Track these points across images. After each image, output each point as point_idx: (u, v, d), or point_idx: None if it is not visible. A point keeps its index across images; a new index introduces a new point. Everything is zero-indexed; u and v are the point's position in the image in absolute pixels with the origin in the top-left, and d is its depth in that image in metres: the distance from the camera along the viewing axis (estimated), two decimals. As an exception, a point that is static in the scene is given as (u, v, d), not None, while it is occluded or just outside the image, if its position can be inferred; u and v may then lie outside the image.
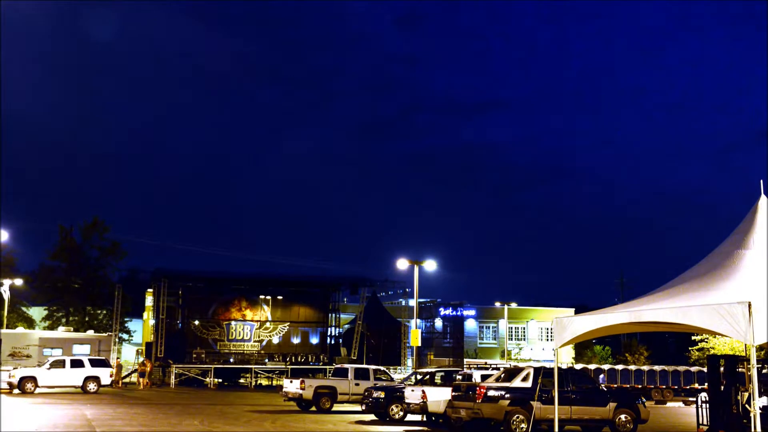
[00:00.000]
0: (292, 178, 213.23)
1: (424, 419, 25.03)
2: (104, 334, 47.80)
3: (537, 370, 21.14)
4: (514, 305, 71.51)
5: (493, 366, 44.14)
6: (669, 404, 43.32)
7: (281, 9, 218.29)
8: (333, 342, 55.11)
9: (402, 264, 40.24)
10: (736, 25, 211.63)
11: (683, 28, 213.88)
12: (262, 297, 53.72)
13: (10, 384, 34.69)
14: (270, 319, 53.61)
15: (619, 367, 51.12)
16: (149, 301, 57.23)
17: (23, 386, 34.75)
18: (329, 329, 55.47)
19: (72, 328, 49.67)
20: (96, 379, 36.53)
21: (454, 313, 67.29)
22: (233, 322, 52.38)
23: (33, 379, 35.24)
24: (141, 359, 51.13)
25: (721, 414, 17.25)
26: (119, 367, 45.57)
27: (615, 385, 44.93)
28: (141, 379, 43.66)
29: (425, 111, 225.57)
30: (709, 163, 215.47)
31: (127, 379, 49.17)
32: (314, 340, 55.17)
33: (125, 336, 60.80)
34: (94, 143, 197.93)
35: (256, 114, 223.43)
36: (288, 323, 53.99)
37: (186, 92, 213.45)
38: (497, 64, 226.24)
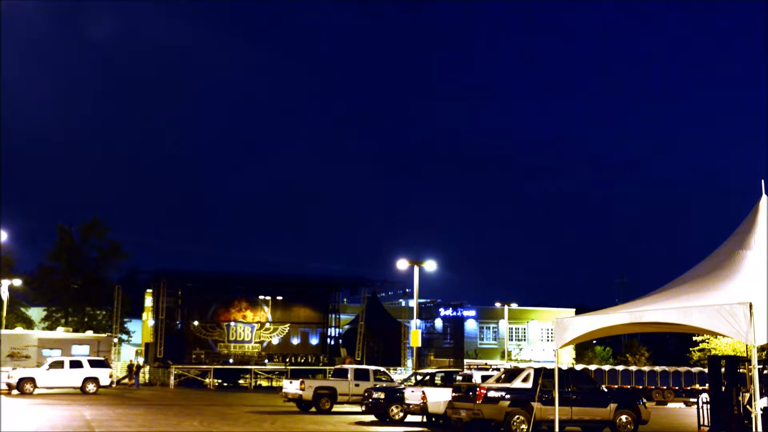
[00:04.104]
0: (291, 178, 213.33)
1: (424, 420, 24.97)
2: (103, 335, 47.65)
3: (537, 370, 21.09)
4: (514, 306, 71.43)
5: (493, 367, 44.09)
6: (670, 405, 43.23)
7: (276, 6, 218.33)
8: (333, 343, 55.02)
9: (402, 264, 40.18)
10: (736, 23, 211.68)
11: (685, 22, 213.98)
12: (262, 297, 53.61)
13: (9, 385, 34.59)
14: (270, 319, 53.52)
15: (620, 367, 51.02)
16: (149, 301, 57.10)
17: (22, 387, 34.64)
18: (329, 330, 55.37)
19: (71, 329, 49.56)
20: (95, 379, 36.43)
21: (454, 313, 67.29)
22: (233, 323, 52.29)
23: (32, 379, 35.12)
24: (141, 360, 51.15)
25: (722, 415, 17.19)
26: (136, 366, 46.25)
27: (615, 386, 44.85)
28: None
29: (425, 108, 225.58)
30: (709, 163, 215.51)
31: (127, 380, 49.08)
32: (314, 341, 55.08)
33: (125, 337, 60.68)
34: (94, 143, 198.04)
35: (255, 113, 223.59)
36: (288, 324, 53.89)
37: (185, 92, 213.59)
38: (497, 59, 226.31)
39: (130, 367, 47.66)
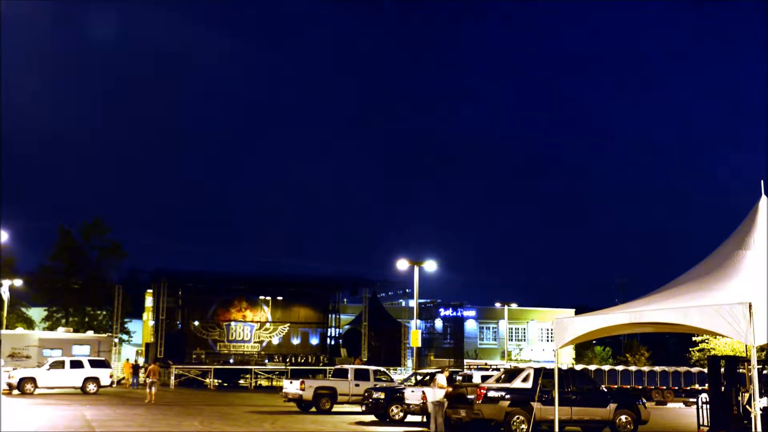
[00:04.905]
0: (291, 178, 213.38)
1: (424, 420, 24.98)
2: (104, 335, 47.72)
3: (537, 370, 21.12)
4: (514, 306, 71.47)
5: (493, 367, 44.09)
6: (669, 405, 43.26)
7: (276, 7, 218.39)
8: (333, 343, 55.08)
9: (402, 264, 40.17)
10: (736, 23, 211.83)
11: (686, 25, 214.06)
12: (262, 297, 53.66)
13: (9, 385, 34.61)
14: (270, 319, 53.57)
15: (620, 367, 51.05)
16: (149, 301, 57.16)
17: (23, 387, 34.67)
18: (329, 330, 55.45)
19: (71, 329, 49.57)
20: (95, 379, 36.46)
21: (455, 313, 67.27)
22: (233, 323, 52.33)
23: (32, 379, 35.15)
24: (141, 359, 51.13)
25: (722, 415, 17.23)
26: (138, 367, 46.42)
27: (615, 386, 44.89)
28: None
29: (426, 107, 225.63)
30: (709, 163, 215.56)
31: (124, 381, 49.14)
32: (314, 341, 55.15)
33: (125, 337, 60.75)
34: (94, 143, 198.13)
35: (255, 114, 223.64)
36: (288, 324, 53.94)
37: (185, 93, 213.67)
38: (497, 58, 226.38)
39: (135, 367, 47.58)
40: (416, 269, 39.22)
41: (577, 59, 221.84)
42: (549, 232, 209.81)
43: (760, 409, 13.56)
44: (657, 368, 49.93)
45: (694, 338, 49.38)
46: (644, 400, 22.88)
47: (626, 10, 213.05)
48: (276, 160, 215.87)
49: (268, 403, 33.33)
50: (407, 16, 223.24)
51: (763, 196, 15.98)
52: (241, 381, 49.81)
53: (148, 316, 58.18)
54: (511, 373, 22.11)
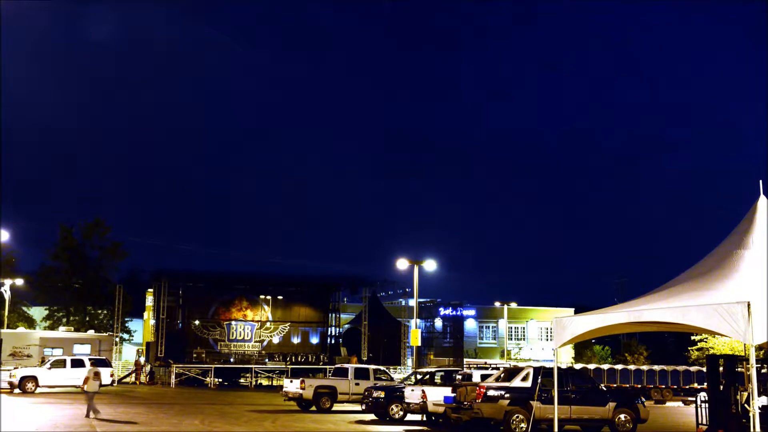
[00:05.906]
0: (291, 177, 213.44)
1: (424, 419, 25.10)
2: (105, 334, 47.88)
3: (537, 369, 21.21)
4: (513, 305, 71.52)
5: (492, 366, 44.21)
6: (668, 404, 43.37)
7: (275, 6, 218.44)
8: (333, 342, 55.20)
9: (402, 264, 40.19)
10: (737, 23, 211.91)
11: (684, 24, 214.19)
12: (262, 297, 53.78)
13: (10, 384, 34.71)
14: (270, 319, 53.68)
15: (619, 366, 51.13)
16: (150, 301, 57.30)
17: (24, 386, 34.77)
18: (329, 329, 55.58)
19: (72, 328, 49.70)
20: (96, 379, 36.52)
21: (454, 312, 67.43)
22: (234, 322, 52.44)
23: (34, 378, 35.25)
24: (142, 359, 51.31)
25: (721, 414, 17.30)
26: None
27: (614, 385, 44.98)
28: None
29: (425, 107, 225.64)
30: (708, 163, 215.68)
31: (127, 379, 49.28)
32: (314, 340, 55.26)
33: (126, 336, 60.90)
34: (94, 143, 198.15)
35: (255, 115, 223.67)
36: (288, 323, 54.06)
37: (185, 93, 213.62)
38: (496, 58, 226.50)
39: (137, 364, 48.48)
40: (416, 268, 39.26)
41: (575, 57, 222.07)
42: (549, 232, 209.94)
43: (759, 408, 13.65)
44: (656, 367, 50.01)
45: (692, 337, 49.40)
46: (643, 399, 22.96)
47: (628, 13, 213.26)
48: (276, 160, 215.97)
49: (268, 402, 33.42)
50: (407, 16, 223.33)
51: (762, 196, 16.07)
52: (242, 380, 49.91)
53: (148, 315, 58.31)
54: (511, 372, 22.21)
